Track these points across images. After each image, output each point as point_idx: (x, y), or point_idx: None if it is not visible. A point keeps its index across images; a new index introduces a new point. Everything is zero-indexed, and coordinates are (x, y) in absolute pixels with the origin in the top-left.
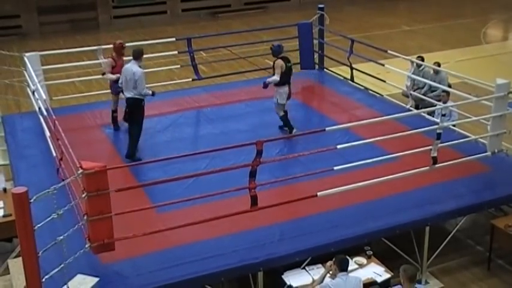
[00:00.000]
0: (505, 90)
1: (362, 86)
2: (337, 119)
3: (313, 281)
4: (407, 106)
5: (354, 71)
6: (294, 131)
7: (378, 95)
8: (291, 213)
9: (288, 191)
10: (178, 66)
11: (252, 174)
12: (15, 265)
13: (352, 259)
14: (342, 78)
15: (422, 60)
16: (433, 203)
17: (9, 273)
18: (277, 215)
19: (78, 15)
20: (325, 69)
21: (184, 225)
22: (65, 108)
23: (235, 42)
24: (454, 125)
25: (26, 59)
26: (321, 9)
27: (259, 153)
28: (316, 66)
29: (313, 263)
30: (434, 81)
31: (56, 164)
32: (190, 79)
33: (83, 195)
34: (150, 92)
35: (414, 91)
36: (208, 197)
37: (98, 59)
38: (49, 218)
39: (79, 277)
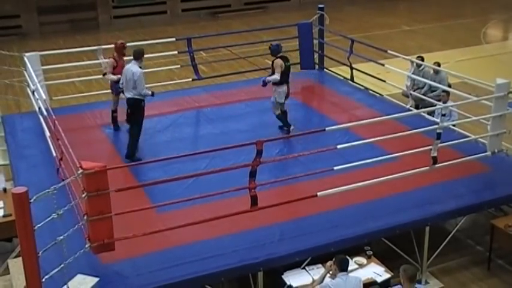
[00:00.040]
0: (505, 90)
1: (362, 86)
2: (337, 119)
3: (313, 281)
4: (407, 106)
5: (354, 71)
6: (292, 128)
7: (378, 95)
8: (291, 213)
9: (288, 191)
10: (178, 66)
11: (252, 174)
12: (15, 265)
13: (352, 259)
14: (342, 78)
15: (422, 60)
16: (433, 203)
17: (9, 273)
18: (277, 215)
19: (78, 15)
20: (325, 69)
21: (184, 225)
22: (64, 108)
23: (235, 42)
24: (454, 125)
25: (26, 59)
26: (321, 9)
27: (259, 153)
28: (316, 66)
29: (313, 263)
30: (434, 81)
31: (56, 164)
32: (190, 79)
33: (83, 195)
34: (150, 92)
35: (414, 91)
36: (208, 197)
37: (98, 59)
38: (49, 218)
39: (79, 277)
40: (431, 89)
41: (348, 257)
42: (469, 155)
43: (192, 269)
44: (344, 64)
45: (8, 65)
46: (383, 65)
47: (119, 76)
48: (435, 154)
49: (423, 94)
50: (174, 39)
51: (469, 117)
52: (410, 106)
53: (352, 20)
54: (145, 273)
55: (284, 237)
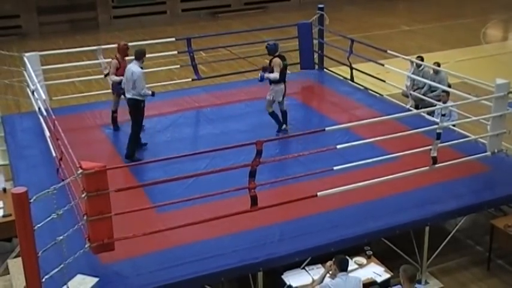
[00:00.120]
0: (504, 90)
1: (362, 86)
2: (337, 119)
3: (313, 281)
4: (407, 106)
5: (353, 71)
6: (284, 127)
7: (377, 95)
8: (291, 213)
9: (288, 191)
10: (178, 66)
11: (252, 174)
12: (15, 265)
13: (352, 259)
14: (341, 78)
15: (422, 60)
16: (433, 203)
17: (9, 273)
18: (277, 215)
19: (78, 15)
20: (325, 69)
21: (184, 225)
22: (64, 108)
23: (235, 42)
24: (454, 125)
25: (25, 59)
26: (321, 9)
27: (259, 153)
28: (316, 66)
29: (313, 263)
30: (434, 81)
31: (56, 164)
32: (190, 79)
33: (83, 195)
34: (150, 92)
35: (414, 91)
36: (208, 197)
37: (98, 59)
38: (49, 218)
39: (79, 277)
40: (431, 89)
41: (347, 257)
42: (469, 155)
43: (192, 269)
44: (344, 64)
45: (7, 65)
46: (383, 65)
47: (122, 78)
48: (435, 154)
49: (423, 94)
50: (173, 39)
51: (469, 117)
52: (410, 106)
53: (352, 20)
54: (145, 273)
55: (284, 237)
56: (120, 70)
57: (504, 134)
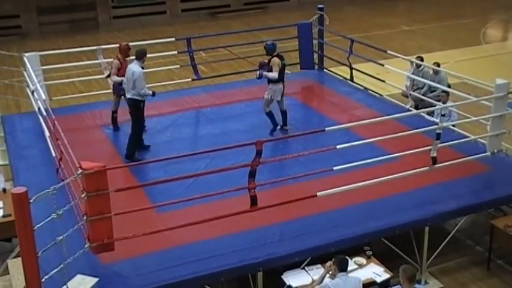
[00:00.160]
0: (504, 91)
1: (362, 86)
2: (337, 119)
3: (313, 281)
4: (407, 106)
5: (353, 71)
6: (278, 127)
7: (377, 95)
8: (291, 213)
9: (287, 191)
10: (178, 66)
11: (252, 174)
12: (15, 265)
13: (351, 259)
14: (341, 78)
15: (422, 60)
16: (433, 203)
17: (8, 273)
18: (277, 215)
19: (78, 15)
20: (324, 70)
21: (184, 225)
22: (64, 108)
23: (234, 42)
24: (453, 125)
25: (25, 59)
26: (321, 9)
27: (259, 153)
28: (316, 67)
29: (312, 263)
30: (433, 81)
31: (56, 164)
32: (190, 79)
33: (83, 196)
34: (150, 93)
35: (414, 91)
36: (208, 197)
37: (98, 59)
38: (49, 218)
39: (78, 277)
40: (431, 89)
41: (347, 257)
42: (469, 155)
43: (192, 269)
44: (344, 64)
45: (7, 65)
46: (382, 65)
47: (123, 78)
48: (435, 154)
49: (423, 94)
50: (173, 39)
51: (469, 118)
52: (410, 106)
53: (352, 20)
54: (145, 273)
55: (284, 237)
56: (121, 71)
57: (504, 134)
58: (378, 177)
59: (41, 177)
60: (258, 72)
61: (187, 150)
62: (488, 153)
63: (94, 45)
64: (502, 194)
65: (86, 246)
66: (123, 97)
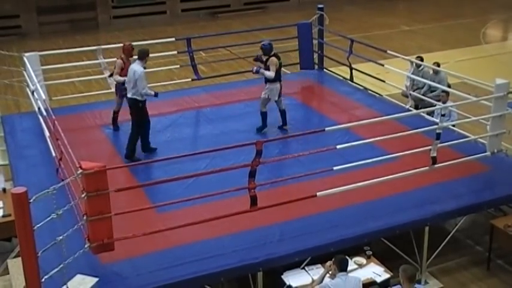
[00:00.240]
0: (504, 90)
1: (361, 86)
2: (336, 119)
3: (313, 281)
4: (407, 106)
5: (353, 71)
6: (265, 130)
7: (377, 95)
8: (291, 213)
9: (287, 191)
10: (178, 66)
11: (252, 174)
12: (15, 265)
13: (351, 259)
14: (341, 78)
15: (422, 60)
16: (433, 203)
17: (8, 273)
18: (277, 215)
19: (78, 15)
20: (324, 70)
21: (184, 225)
22: (64, 108)
23: (234, 42)
24: (453, 125)
25: (25, 59)
26: (321, 9)
27: (259, 153)
28: (316, 67)
29: (312, 263)
30: (433, 81)
31: (56, 164)
32: (190, 79)
33: (83, 196)
34: (152, 93)
35: (414, 91)
36: (208, 197)
37: (98, 59)
38: (48, 218)
39: (78, 277)
40: (431, 89)
41: (347, 257)
42: (469, 155)
43: (192, 269)
44: (343, 64)
45: (7, 65)
46: (382, 65)
47: (126, 78)
48: (435, 154)
49: (423, 94)
50: (173, 39)
51: (469, 118)
52: (410, 106)
53: (352, 20)
54: (144, 273)
55: (284, 237)
56: (124, 70)
57: (504, 134)
58: (378, 177)
59: (41, 177)
60: (254, 68)
61: (187, 150)
62: (488, 153)
63: (94, 45)
64: (502, 194)
65: (86, 246)
66: (125, 98)
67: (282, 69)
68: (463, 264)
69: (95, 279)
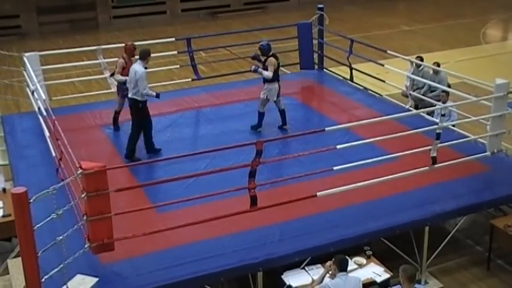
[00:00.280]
0: (504, 90)
1: (361, 86)
2: (336, 119)
3: (313, 281)
4: (407, 106)
5: (353, 71)
6: (259, 129)
7: (377, 95)
8: (291, 213)
9: (287, 191)
10: (178, 66)
11: (252, 174)
12: (15, 265)
13: (351, 259)
14: (341, 78)
15: (422, 60)
16: (433, 203)
17: (8, 273)
18: (277, 215)
19: (78, 15)
20: (324, 70)
21: (184, 225)
22: (64, 108)
23: (234, 42)
24: (453, 125)
25: (25, 59)
26: (321, 9)
27: (259, 153)
28: (316, 66)
29: (312, 263)
30: (433, 81)
31: (56, 164)
32: (190, 79)
33: (83, 196)
34: (154, 94)
35: (414, 91)
36: (208, 197)
37: (98, 59)
38: (48, 218)
39: (78, 277)
40: (431, 89)
41: (347, 257)
42: (469, 155)
43: (192, 269)
44: (343, 64)
45: (7, 65)
46: (382, 65)
47: (127, 78)
48: (434, 154)
49: (423, 94)
50: (173, 39)
51: (469, 118)
52: (410, 106)
53: (352, 20)
54: (144, 273)
55: (284, 237)
56: (125, 70)
57: (504, 134)
58: (378, 177)
59: (41, 177)
60: (252, 66)
61: (187, 150)
62: (488, 153)
63: (94, 45)
64: (502, 194)
65: (86, 246)
66: (126, 98)
67: (282, 69)
68: (463, 264)
69: (95, 279)
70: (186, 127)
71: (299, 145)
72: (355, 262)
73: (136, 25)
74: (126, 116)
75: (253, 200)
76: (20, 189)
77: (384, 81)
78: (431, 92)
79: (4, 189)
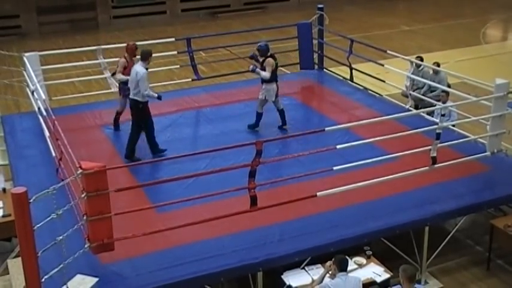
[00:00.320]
0: (504, 90)
1: (361, 86)
2: (336, 119)
3: (313, 281)
4: (407, 106)
5: (353, 71)
6: (256, 128)
7: (377, 95)
8: (291, 213)
9: (287, 191)
10: (178, 66)
11: (252, 174)
12: (15, 265)
13: (351, 259)
14: (341, 78)
15: (422, 60)
16: (433, 203)
17: (8, 273)
18: (277, 215)
19: (78, 15)
20: (324, 70)
21: (184, 225)
22: (64, 108)
23: (234, 42)
24: (453, 125)
25: (25, 59)
26: (321, 9)
27: (259, 153)
28: (316, 66)
29: (312, 263)
30: (433, 81)
31: (56, 164)
32: (190, 79)
33: (83, 196)
34: (155, 95)
35: (414, 91)
36: (208, 197)
37: (98, 59)
38: (48, 218)
39: (78, 277)
40: (431, 89)
41: (347, 257)
42: (469, 155)
43: (192, 269)
44: (343, 64)
45: (7, 65)
46: (382, 65)
47: (128, 77)
48: (434, 154)
49: (423, 94)
50: (173, 39)
51: (469, 118)
52: (410, 106)
53: (352, 20)
54: (144, 273)
55: (284, 237)
56: (127, 70)
57: (504, 134)
58: (378, 177)
59: (41, 177)
60: (251, 66)
61: (187, 150)
62: (488, 153)
63: (94, 45)
64: (502, 194)
65: (85, 246)
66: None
67: (282, 69)
68: (463, 264)
69: (95, 279)
70: (186, 127)
71: (299, 145)
72: (355, 262)
73: (136, 25)
74: (126, 116)
75: (253, 200)
76: (20, 189)
77: (383, 81)
78: (431, 92)
79: (4, 189)
